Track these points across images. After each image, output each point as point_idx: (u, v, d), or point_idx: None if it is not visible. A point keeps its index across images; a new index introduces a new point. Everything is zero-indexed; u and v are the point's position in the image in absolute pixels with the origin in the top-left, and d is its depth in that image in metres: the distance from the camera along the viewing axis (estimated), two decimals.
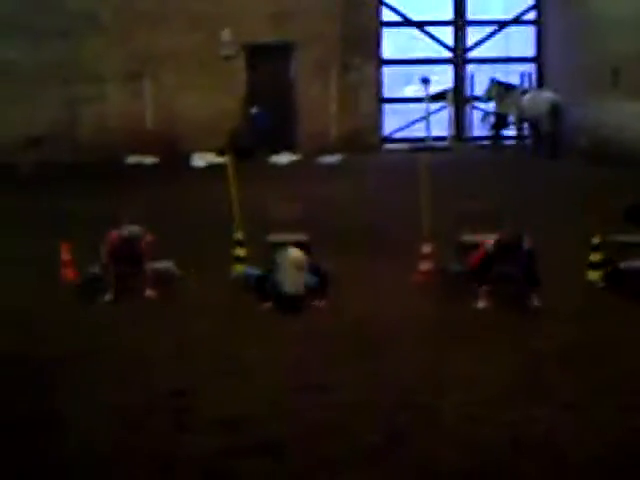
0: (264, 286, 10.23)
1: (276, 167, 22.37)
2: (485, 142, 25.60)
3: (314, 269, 10.33)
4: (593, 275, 10.72)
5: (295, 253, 10.26)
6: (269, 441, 6.66)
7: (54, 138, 22.88)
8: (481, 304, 9.98)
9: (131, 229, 10.70)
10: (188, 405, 7.41)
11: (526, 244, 9.94)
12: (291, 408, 7.29)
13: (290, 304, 9.99)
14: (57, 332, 9.48)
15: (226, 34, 24.37)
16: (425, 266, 11.15)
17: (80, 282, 11.05)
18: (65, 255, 11.41)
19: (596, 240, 10.72)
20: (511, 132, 25.26)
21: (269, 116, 23.94)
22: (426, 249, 11.16)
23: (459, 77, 26.46)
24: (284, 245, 10.68)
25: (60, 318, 9.96)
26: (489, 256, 9.99)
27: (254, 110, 24.19)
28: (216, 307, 10.25)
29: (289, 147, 24.08)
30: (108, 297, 10.52)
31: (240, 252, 11.47)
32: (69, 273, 11.39)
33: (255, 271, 10.73)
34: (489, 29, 26.58)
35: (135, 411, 7.31)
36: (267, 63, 25.32)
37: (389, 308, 10.07)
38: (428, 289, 10.73)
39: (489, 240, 10.07)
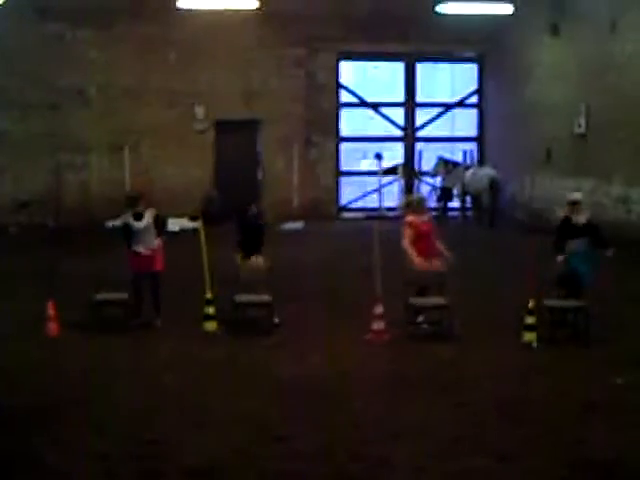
0: None
1: None
2: (432, 213, 25.70)
3: None
4: (528, 336, 10.72)
5: None
6: None
7: (41, 202, 22.77)
8: None
9: None
10: (161, 453, 7.31)
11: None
12: (252, 458, 7.19)
13: None
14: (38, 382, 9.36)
15: (199, 111, 24.50)
16: (377, 325, 11.14)
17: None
18: (50, 310, 11.28)
19: (531, 304, 10.71)
20: (455, 204, 25.48)
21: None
22: (378, 310, 11.15)
23: (409, 153, 26.76)
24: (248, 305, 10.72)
25: (42, 369, 9.84)
26: None
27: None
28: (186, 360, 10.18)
29: None
30: None
31: (210, 310, 11.43)
32: (53, 327, 11.26)
33: None
34: (436, 110, 26.96)
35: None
36: (236, 138, 25.42)
37: (344, 363, 10.03)
38: (380, 346, 10.71)
39: None
